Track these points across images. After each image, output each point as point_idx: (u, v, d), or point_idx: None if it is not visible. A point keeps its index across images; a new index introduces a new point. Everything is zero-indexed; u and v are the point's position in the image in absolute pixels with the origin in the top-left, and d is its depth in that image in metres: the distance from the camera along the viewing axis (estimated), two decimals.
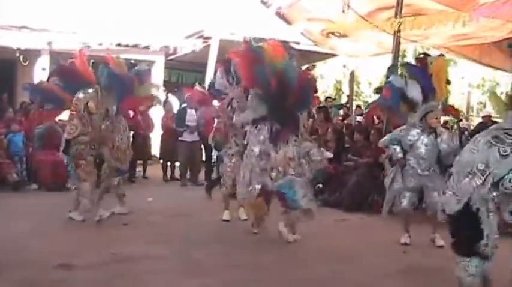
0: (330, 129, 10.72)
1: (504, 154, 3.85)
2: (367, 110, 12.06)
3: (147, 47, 14.46)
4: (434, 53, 10.02)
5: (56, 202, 8.74)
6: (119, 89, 7.72)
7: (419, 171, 6.81)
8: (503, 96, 6.08)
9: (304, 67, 7.75)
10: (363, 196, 9.23)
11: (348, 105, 15.97)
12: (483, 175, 3.89)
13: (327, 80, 21.29)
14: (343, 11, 11.27)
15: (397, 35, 10.05)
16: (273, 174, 6.85)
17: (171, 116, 12.57)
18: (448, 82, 7.25)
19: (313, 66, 7.03)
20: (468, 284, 4.06)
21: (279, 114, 6.78)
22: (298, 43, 13.59)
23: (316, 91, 8.28)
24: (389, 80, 7.33)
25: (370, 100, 17.48)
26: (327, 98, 15.61)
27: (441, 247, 6.60)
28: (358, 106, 16.91)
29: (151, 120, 12.18)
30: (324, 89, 20.64)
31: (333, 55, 15.90)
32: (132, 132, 10.80)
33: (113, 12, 13.75)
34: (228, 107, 7.77)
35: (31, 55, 13.73)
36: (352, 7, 11.50)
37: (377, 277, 5.63)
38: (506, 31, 9.93)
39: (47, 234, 6.92)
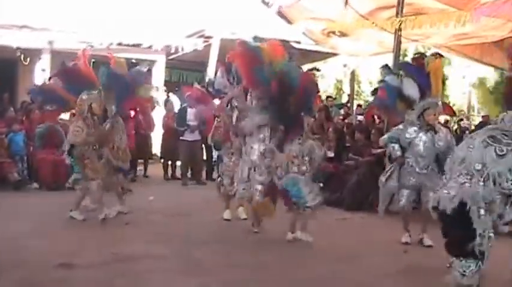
0: (330, 129, 10.72)
1: (501, 153, 3.84)
2: (366, 110, 12.08)
3: (148, 47, 14.47)
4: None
5: (57, 201, 8.75)
6: (119, 89, 7.72)
7: (417, 169, 6.80)
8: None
9: (306, 68, 7.73)
10: (363, 195, 9.23)
11: (348, 105, 15.97)
12: (481, 176, 3.87)
13: (328, 79, 21.26)
14: (346, 5, 11.27)
15: (397, 34, 10.05)
16: (278, 172, 6.86)
17: (172, 116, 12.59)
18: (444, 81, 7.25)
19: (318, 70, 7.01)
20: (463, 284, 4.05)
21: (284, 117, 6.77)
22: (299, 42, 13.59)
23: (318, 91, 8.28)
24: (384, 79, 7.33)
25: (371, 99, 17.46)
26: (327, 97, 15.61)
27: (430, 246, 6.58)
28: (359, 105, 16.92)
29: (152, 119, 12.17)
30: (325, 88, 20.62)
31: (334, 54, 15.92)
32: (133, 132, 10.89)
33: (113, 12, 13.74)
34: (227, 105, 7.77)
35: (32, 54, 13.75)
36: (352, 6, 11.51)
37: (377, 276, 5.63)
38: (507, 30, 9.94)
39: (48, 233, 6.93)
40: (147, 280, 5.31)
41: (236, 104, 7.50)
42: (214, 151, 11.00)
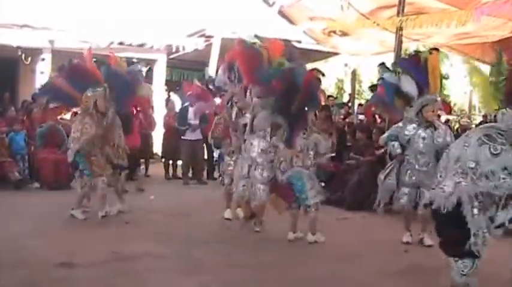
0: (330, 129, 10.70)
1: (495, 152, 3.83)
2: (364, 108, 12.05)
3: (149, 46, 14.47)
4: None
5: (58, 201, 8.75)
6: (120, 88, 7.72)
7: (417, 166, 6.78)
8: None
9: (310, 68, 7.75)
10: (364, 194, 9.21)
11: (349, 104, 15.96)
12: (474, 174, 3.87)
13: (329, 78, 21.22)
14: (342, 7, 11.27)
15: (399, 34, 10.04)
16: (282, 166, 6.86)
17: (173, 115, 12.59)
18: (442, 77, 7.24)
19: (323, 75, 7.02)
20: (461, 284, 4.05)
21: (289, 115, 6.77)
22: (299, 42, 13.58)
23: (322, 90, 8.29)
24: (382, 76, 7.33)
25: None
26: (328, 96, 15.58)
27: (430, 246, 6.58)
28: (360, 105, 16.88)
29: (153, 119, 12.19)
30: (326, 88, 20.59)
31: (335, 54, 15.92)
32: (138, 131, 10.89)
33: (114, 11, 13.75)
34: (227, 103, 7.77)
35: (33, 54, 13.75)
36: (353, 5, 11.51)
37: (378, 276, 5.62)
38: (508, 30, 9.93)
39: (48, 233, 6.93)
40: (147, 280, 5.32)
41: (236, 101, 7.51)
42: (215, 150, 11.04)
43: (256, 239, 7.05)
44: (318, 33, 13.47)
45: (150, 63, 15.60)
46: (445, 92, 9.47)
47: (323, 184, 9.33)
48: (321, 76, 6.85)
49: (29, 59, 13.87)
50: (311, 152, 6.81)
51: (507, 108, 4.09)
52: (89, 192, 7.76)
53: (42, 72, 13.34)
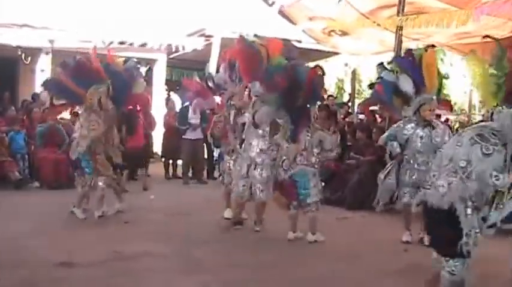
0: (331, 128, 10.69)
1: (487, 152, 3.82)
2: (362, 105, 12.05)
3: (149, 46, 14.46)
4: None
5: (58, 200, 8.75)
6: (118, 86, 7.70)
7: (415, 166, 6.79)
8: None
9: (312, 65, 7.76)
10: (365, 194, 9.20)
11: (349, 104, 15.94)
12: (464, 173, 3.87)
13: (329, 78, 21.21)
14: (338, 1, 11.27)
15: (399, 33, 10.04)
16: (285, 164, 6.86)
17: (173, 115, 12.59)
18: (442, 76, 7.23)
19: (323, 72, 7.04)
20: (452, 283, 4.05)
21: (292, 112, 6.77)
22: (299, 41, 13.56)
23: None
24: (380, 75, 7.32)
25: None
26: (328, 96, 15.58)
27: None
28: (360, 104, 16.86)
29: (153, 118, 12.18)
30: (326, 88, 20.57)
31: (335, 53, 15.89)
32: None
33: (114, 11, 13.74)
34: (227, 101, 7.77)
35: (32, 53, 13.75)
36: (353, 5, 11.50)
37: (378, 275, 5.63)
38: (508, 29, 9.91)
39: (48, 233, 6.93)
40: (147, 279, 5.32)
41: (234, 102, 7.50)
42: (215, 149, 11.03)
43: (256, 238, 7.05)
44: (318, 33, 13.45)
45: (150, 63, 15.60)
46: (445, 92, 9.43)
47: (323, 184, 9.39)
48: (321, 73, 6.86)
49: (29, 58, 13.86)
50: (315, 150, 6.82)
51: (504, 107, 4.09)
52: (88, 191, 7.76)
53: (43, 70, 13.32)
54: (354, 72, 16.55)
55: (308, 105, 6.83)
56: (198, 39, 14.81)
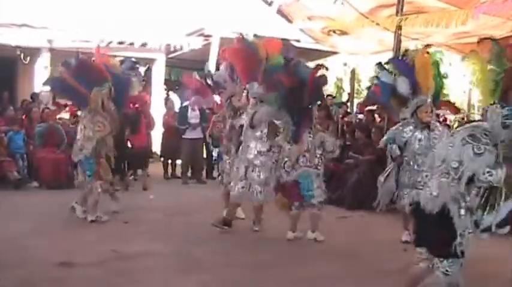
0: (330, 127, 10.70)
1: (478, 152, 3.83)
2: (359, 105, 12.07)
3: (148, 45, 14.45)
4: (434, 50, 10.00)
5: (57, 200, 8.76)
6: (117, 87, 7.69)
7: (415, 167, 6.80)
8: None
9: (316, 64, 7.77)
10: (364, 193, 9.20)
11: (348, 103, 15.95)
12: (456, 174, 3.87)
13: (328, 77, 21.24)
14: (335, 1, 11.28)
15: (398, 33, 10.04)
16: (287, 166, 6.86)
17: (172, 114, 12.59)
18: (441, 76, 7.23)
19: (327, 69, 7.03)
20: (446, 283, 4.06)
21: (294, 112, 6.77)
22: (298, 41, 13.56)
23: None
24: (378, 76, 7.32)
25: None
26: (327, 95, 15.58)
27: None
28: (359, 104, 16.87)
29: (152, 118, 12.19)
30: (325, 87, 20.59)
31: (334, 53, 15.87)
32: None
33: (113, 11, 13.72)
34: (226, 101, 7.77)
35: (31, 53, 13.73)
36: (352, 4, 11.50)
37: (377, 275, 5.63)
38: (507, 29, 9.92)
39: (48, 232, 6.94)
40: (146, 279, 5.32)
41: (233, 102, 7.49)
42: (214, 149, 11.04)
43: (256, 238, 7.06)
44: (317, 33, 13.45)
45: (149, 62, 15.59)
46: (444, 91, 9.42)
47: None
48: (325, 71, 6.86)
49: (28, 58, 13.85)
50: (318, 151, 6.83)
51: (497, 106, 4.08)
52: (88, 193, 7.74)
53: (46, 67, 13.30)
54: (353, 72, 16.55)
55: (310, 106, 6.84)
56: (197, 39, 14.79)
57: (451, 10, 9.90)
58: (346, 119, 12.85)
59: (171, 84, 16.59)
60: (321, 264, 5.99)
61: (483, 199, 3.95)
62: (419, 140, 6.76)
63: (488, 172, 3.83)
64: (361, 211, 8.89)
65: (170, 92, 15.68)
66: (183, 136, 11.72)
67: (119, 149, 8.23)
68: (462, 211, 3.90)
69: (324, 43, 14.30)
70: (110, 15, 13.53)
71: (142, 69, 14.45)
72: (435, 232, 4.04)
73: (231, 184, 7.37)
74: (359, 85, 19.99)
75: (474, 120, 8.95)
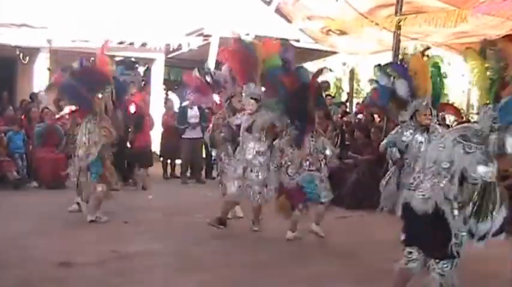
0: (330, 127, 10.70)
1: (469, 151, 3.83)
2: (358, 106, 12.07)
3: (147, 45, 14.44)
4: (434, 50, 10.02)
5: (56, 200, 8.76)
6: (118, 89, 7.68)
7: (417, 169, 6.80)
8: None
9: (308, 67, 7.76)
10: (363, 193, 9.22)
11: (347, 103, 15.96)
12: (448, 173, 3.88)
13: (327, 77, 21.22)
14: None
15: (397, 33, 10.05)
16: (290, 170, 6.85)
17: (171, 114, 12.60)
18: (442, 78, 7.24)
19: (330, 70, 7.04)
20: (442, 284, 4.06)
21: (296, 117, 6.77)
22: (298, 41, 13.58)
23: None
24: (377, 79, 7.32)
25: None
26: (326, 95, 15.58)
27: None
28: (358, 104, 16.88)
29: (151, 118, 12.19)
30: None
31: (333, 53, 15.89)
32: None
33: (112, 10, 13.71)
34: (226, 101, 7.76)
35: (31, 53, 13.73)
36: (352, 4, 11.51)
37: (377, 275, 5.61)
38: (506, 29, 9.93)
39: (47, 232, 6.93)
40: (146, 279, 5.32)
41: (233, 104, 7.48)
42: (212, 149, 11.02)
43: (255, 238, 7.06)
44: (316, 32, 13.47)
45: (148, 62, 15.59)
46: (444, 91, 9.43)
47: None
48: (329, 71, 6.87)
49: (27, 58, 13.84)
50: (321, 155, 6.84)
51: (490, 106, 4.08)
52: (89, 194, 7.72)
53: (50, 69, 13.28)
54: (352, 72, 16.57)
55: (312, 110, 6.84)
56: (196, 38, 14.79)
57: (450, 10, 9.92)
58: (345, 118, 12.85)
59: (170, 84, 16.59)
60: (321, 264, 5.99)
61: (476, 207, 3.93)
62: (421, 143, 6.77)
63: (479, 167, 3.83)
64: (361, 210, 8.90)
65: (169, 92, 15.67)
66: (183, 136, 11.73)
67: (120, 148, 8.21)
68: (455, 211, 3.90)
69: (323, 43, 14.32)
70: (109, 15, 13.52)
71: (141, 69, 14.47)
72: (430, 232, 4.04)
73: (227, 183, 7.36)
74: (358, 85, 20.01)
75: (468, 121, 8.97)
